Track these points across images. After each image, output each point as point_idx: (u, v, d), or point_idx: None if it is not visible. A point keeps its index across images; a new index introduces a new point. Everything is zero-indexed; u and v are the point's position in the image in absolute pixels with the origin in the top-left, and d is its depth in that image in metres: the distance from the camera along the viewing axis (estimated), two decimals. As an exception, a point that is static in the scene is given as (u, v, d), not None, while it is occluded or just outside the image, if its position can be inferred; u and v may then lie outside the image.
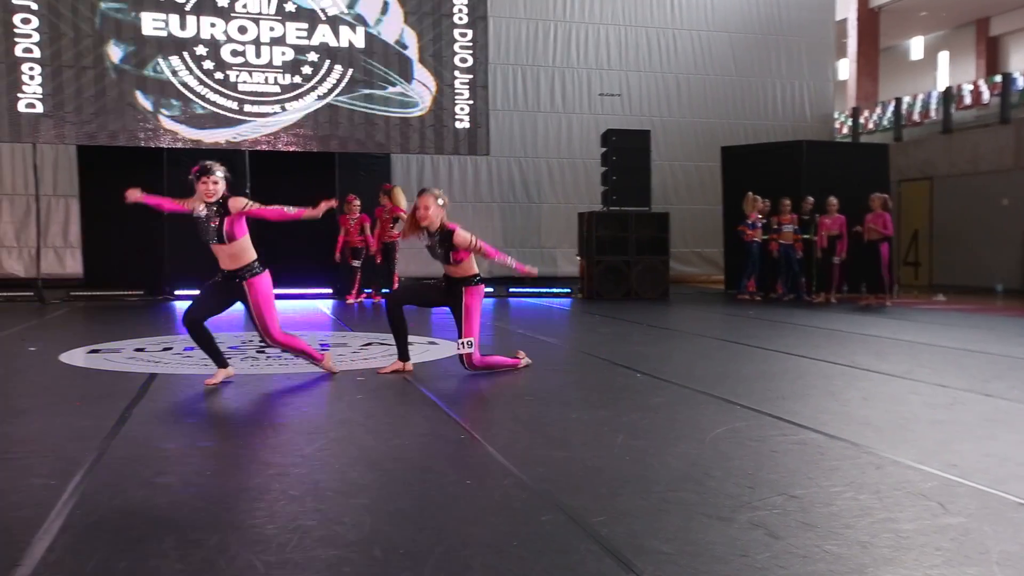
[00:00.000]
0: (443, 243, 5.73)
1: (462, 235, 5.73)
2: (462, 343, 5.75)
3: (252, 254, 5.37)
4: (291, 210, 5.44)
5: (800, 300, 12.65)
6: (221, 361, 5.39)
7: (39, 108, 11.64)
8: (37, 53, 11.57)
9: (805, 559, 2.49)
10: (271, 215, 5.40)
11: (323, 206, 5.62)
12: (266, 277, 5.41)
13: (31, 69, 11.58)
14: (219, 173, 5.35)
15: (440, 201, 5.74)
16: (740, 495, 3.09)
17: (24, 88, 11.56)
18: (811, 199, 12.84)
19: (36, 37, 11.56)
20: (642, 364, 6.25)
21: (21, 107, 11.57)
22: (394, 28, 12.83)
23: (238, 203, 5.27)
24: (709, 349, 7.40)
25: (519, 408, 4.76)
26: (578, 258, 13.98)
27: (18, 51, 11.51)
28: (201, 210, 5.32)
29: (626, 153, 13.48)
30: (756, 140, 16.27)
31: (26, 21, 11.54)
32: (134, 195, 5.55)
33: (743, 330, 8.83)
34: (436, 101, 12.95)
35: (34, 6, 11.53)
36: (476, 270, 5.92)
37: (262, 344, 5.85)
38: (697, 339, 8.26)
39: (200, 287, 5.53)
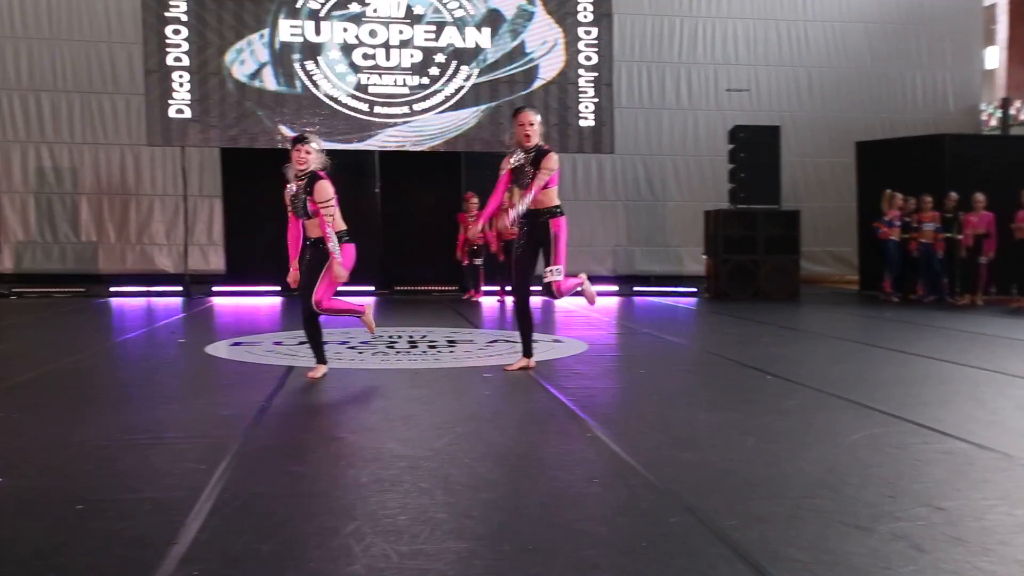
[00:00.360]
0: (535, 161, 5.57)
1: (554, 157, 5.61)
2: (550, 271, 5.65)
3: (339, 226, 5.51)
4: (332, 245, 5.44)
5: (942, 302, 12.01)
6: (322, 358, 5.56)
7: (187, 114, 12.31)
8: (186, 62, 12.23)
9: (955, 575, 2.37)
10: (322, 227, 5.47)
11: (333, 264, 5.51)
12: (348, 251, 5.56)
13: (180, 77, 12.25)
14: (314, 145, 5.53)
15: (539, 118, 5.67)
16: (880, 504, 2.96)
17: (174, 95, 12.24)
18: (954, 195, 12.16)
19: (185, 47, 12.22)
20: (772, 366, 6.07)
21: (171, 113, 12.26)
22: (522, 27, 12.91)
23: (322, 194, 5.41)
24: (844, 352, 7.12)
25: (646, 408, 4.71)
26: (704, 257, 13.71)
27: (169, 60, 12.20)
28: (292, 186, 5.57)
29: (755, 149, 13.13)
30: (894, 134, 15.52)
31: (177, 32, 12.22)
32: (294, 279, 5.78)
33: (880, 332, 8.46)
34: (560, 100, 12.95)
35: (184, 17, 12.20)
36: (557, 200, 5.74)
37: (400, 340, 5.98)
38: (831, 341, 7.96)
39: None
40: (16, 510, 2.87)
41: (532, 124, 5.59)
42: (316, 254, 5.52)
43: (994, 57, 22.02)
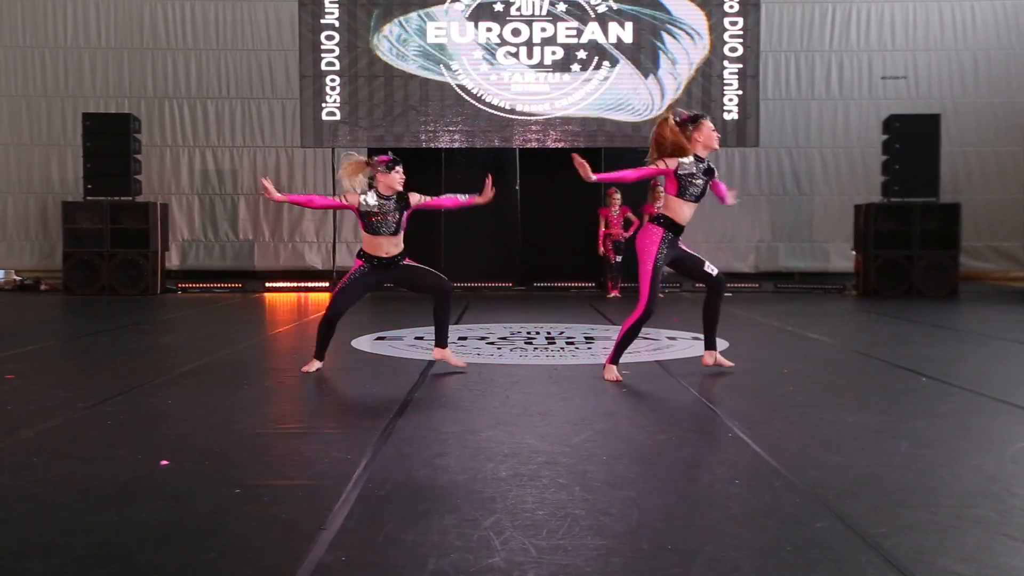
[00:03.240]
0: (707, 173, 5.44)
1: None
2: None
3: None
4: (463, 198, 5.62)
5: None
6: (321, 354, 5.64)
7: (337, 116, 12.82)
8: (337, 66, 12.75)
9: None
10: (446, 203, 5.74)
11: (488, 190, 5.78)
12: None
13: (332, 81, 12.78)
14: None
15: None
16: (1050, 518, 2.76)
17: (326, 98, 12.79)
18: None
19: (337, 52, 12.74)
20: (927, 367, 5.75)
21: (323, 116, 12.81)
22: (667, 20, 12.74)
23: (415, 197, 5.58)
24: (1008, 353, 6.66)
25: (789, 408, 4.56)
26: (853, 253, 13.13)
27: (322, 65, 12.75)
28: (373, 203, 5.57)
29: (911, 139, 12.46)
30: (1070, 120, 14.38)
31: (330, 38, 12.75)
32: (272, 195, 5.62)
33: (1051, 333, 7.88)
34: (704, 93, 12.69)
35: (336, 24, 12.72)
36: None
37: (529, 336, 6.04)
38: (991, 341, 7.46)
39: (350, 285, 5.69)
40: (181, 492, 3.07)
41: (715, 131, 5.50)
42: (387, 270, 5.75)
43: None
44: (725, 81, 12.75)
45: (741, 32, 12.70)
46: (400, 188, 5.63)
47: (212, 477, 3.26)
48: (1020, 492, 3.03)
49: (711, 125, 5.50)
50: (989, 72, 15.36)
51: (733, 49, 12.71)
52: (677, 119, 5.43)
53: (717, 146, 5.53)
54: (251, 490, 3.08)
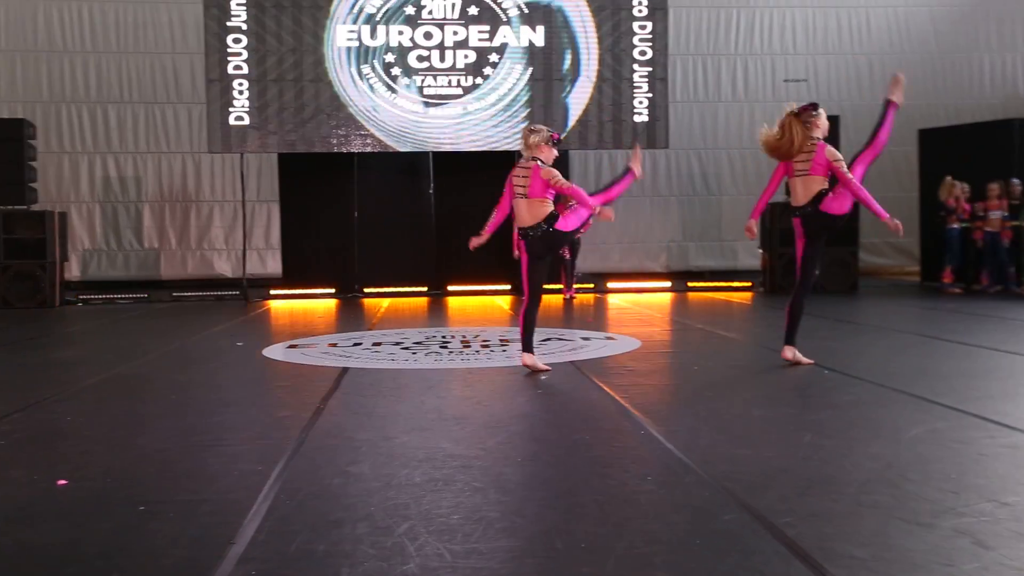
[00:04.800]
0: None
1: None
2: None
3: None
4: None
5: (1008, 292, 11.66)
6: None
7: (246, 121, 12.55)
8: (245, 70, 12.49)
9: (1020, 572, 2.30)
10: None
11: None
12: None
13: (240, 85, 12.50)
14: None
15: None
16: (942, 500, 2.89)
17: (234, 103, 12.51)
18: (1017, 182, 11.82)
19: (245, 55, 12.47)
20: (829, 360, 5.96)
21: (231, 120, 12.52)
22: (573, 25, 12.88)
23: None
24: (904, 344, 6.96)
25: (699, 404, 4.67)
26: (760, 251, 13.52)
27: (230, 69, 12.47)
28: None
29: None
30: (959, 121, 15.10)
31: (237, 41, 12.47)
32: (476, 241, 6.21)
33: (942, 324, 8.25)
34: (614, 96, 12.89)
35: (244, 27, 12.46)
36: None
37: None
38: (890, 334, 7.78)
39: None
40: (81, 511, 2.97)
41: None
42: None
43: (1064, 37, 21.25)
44: (635, 84, 12.96)
45: (650, 36, 12.94)
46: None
47: (114, 495, 3.15)
48: (914, 477, 3.17)
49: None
50: (883, 76, 15.99)
51: (643, 53, 12.94)
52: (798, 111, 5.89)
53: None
54: (156, 507, 2.99)
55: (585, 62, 12.89)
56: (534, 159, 5.72)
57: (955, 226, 12.10)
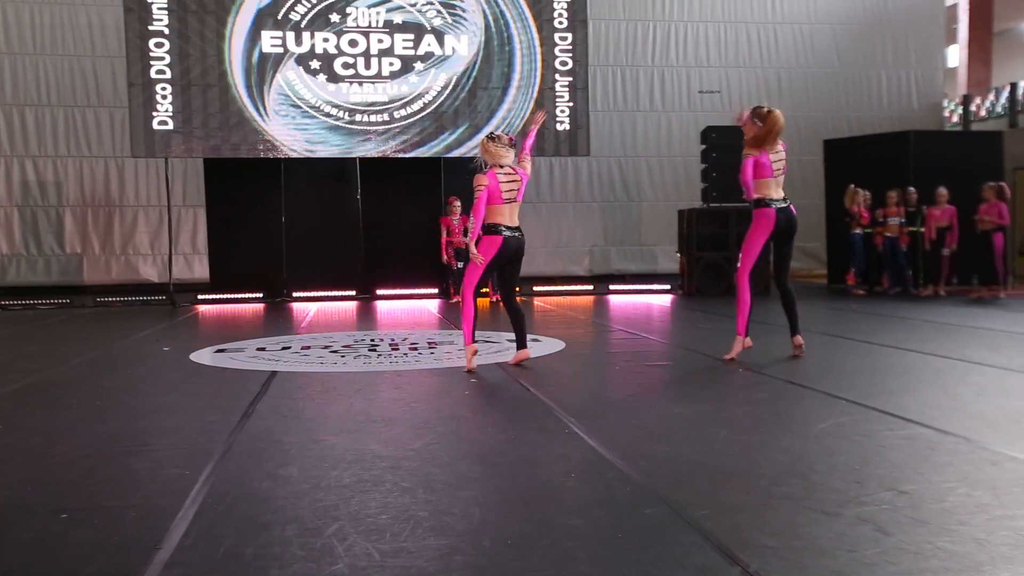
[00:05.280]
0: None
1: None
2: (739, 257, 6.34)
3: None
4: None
5: (907, 293, 12.14)
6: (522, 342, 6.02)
7: (170, 125, 12.24)
8: (168, 74, 12.17)
9: (917, 555, 2.40)
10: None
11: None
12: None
13: (163, 89, 12.18)
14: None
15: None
16: (847, 490, 3.00)
17: (157, 107, 12.17)
18: (912, 190, 12.33)
19: (167, 59, 12.15)
20: (744, 359, 6.11)
21: (155, 125, 12.19)
22: (496, 35, 12.93)
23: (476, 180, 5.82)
24: (812, 344, 7.15)
25: (622, 404, 4.74)
26: (678, 255, 13.78)
27: (152, 73, 12.13)
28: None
29: (726, 149, 13.18)
30: (860, 132, 15.67)
31: (159, 45, 12.14)
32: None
33: (846, 324, 8.54)
34: (537, 104, 12.97)
35: (166, 31, 12.13)
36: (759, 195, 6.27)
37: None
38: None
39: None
40: (0, 521, 2.85)
41: None
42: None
43: (955, 56, 22.25)
44: (557, 93, 13.08)
45: (571, 47, 13.07)
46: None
47: (35, 504, 3.03)
48: (821, 469, 3.28)
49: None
50: (791, 88, 16.54)
51: (564, 63, 13.06)
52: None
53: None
54: (79, 514, 2.89)
55: (507, 71, 12.95)
56: (511, 165, 5.85)
57: (858, 231, 12.55)
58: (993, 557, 2.38)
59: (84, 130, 14.60)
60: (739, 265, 6.36)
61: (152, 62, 12.10)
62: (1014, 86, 17.73)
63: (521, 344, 6.06)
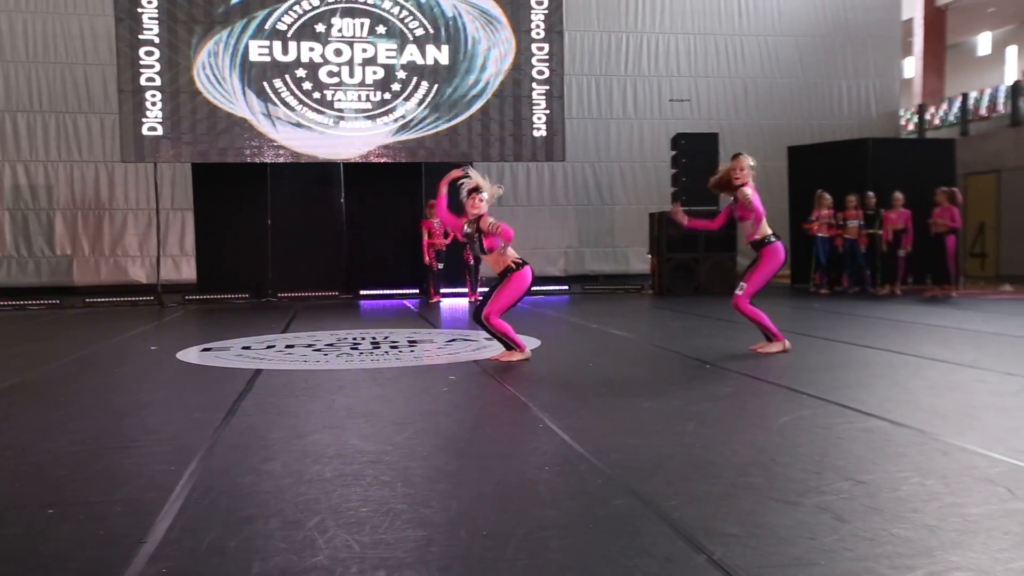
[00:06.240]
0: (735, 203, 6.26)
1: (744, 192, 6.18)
2: (740, 285, 6.32)
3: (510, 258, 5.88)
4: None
5: (865, 293, 12.26)
6: (509, 345, 6.02)
7: (159, 131, 12.12)
8: (158, 81, 12.05)
9: (872, 542, 2.42)
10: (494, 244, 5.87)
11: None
12: (524, 273, 5.93)
13: (153, 96, 12.06)
14: (485, 194, 5.90)
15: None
16: (807, 480, 3.02)
17: (147, 113, 12.05)
18: (871, 194, 12.46)
19: (157, 67, 12.04)
20: (711, 356, 6.14)
21: (144, 131, 12.07)
22: (478, 45, 12.91)
23: (484, 222, 5.81)
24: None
25: (594, 398, 4.74)
26: (649, 256, 13.83)
27: (142, 80, 12.01)
28: (467, 228, 5.92)
29: (695, 155, 13.28)
30: (822, 139, 15.82)
31: (149, 53, 12.03)
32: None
33: (809, 322, 8.60)
34: (515, 112, 12.98)
35: (156, 40, 12.01)
36: (768, 231, 6.28)
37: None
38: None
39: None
40: (-11, 515, 2.80)
41: (743, 170, 6.29)
42: (499, 280, 5.94)
43: (911, 67, 22.54)
44: (534, 101, 13.10)
45: (547, 57, 13.09)
46: (473, 211, 5.90)
47: (23, 498, 2.99)
48: (783, 460, 3.30)
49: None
50: (756, 96, 16.66)
51: (540, 72, 13.08)
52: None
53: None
54: (66, 509, 2.85)
55: (487, 80, 12.94)
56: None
57: (821, 234, 12.65)
58: (943, 543, 2.41)
59: (75, 135, 14.44)
60: (740, 293, 6.26)
61: (142, 70, 11.99)
62: (965, 96, 17.97)
63: (509, 347, 6.06)
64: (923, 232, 11.74)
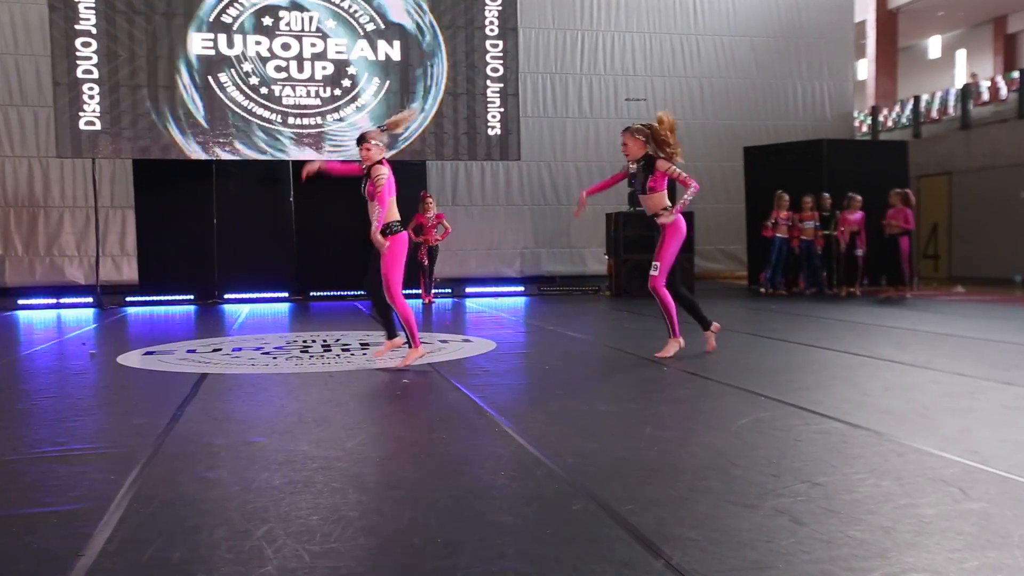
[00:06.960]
0: (645, 170, 6.21)
1: (661, 161, 6.18)
2: (653, 265, 6.28)
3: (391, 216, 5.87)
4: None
5: (821, 294, 12.50)
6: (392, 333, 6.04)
7: (97, 125, 11.84)
8: (96, 74, 11.77)
9: (829, 544, 2.46)
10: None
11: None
12: (399, 238, 5.88)
13: (90, 89, 11.78)
14: (374, 141, 5.83)
15: (639, 136, 6.22)
16: (765, 483, 3.06)
17: (84, 107, 11.77)
18: (827, 196, 12.70)
19: (95, 59, 11.76)
20: (668, 358, 6.19)
21: (81, 125, 11.78)
22: (428, 40, 12.87)
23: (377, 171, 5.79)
24: (733, 342, 7.31)
25: (551, 402, 4.75)
26: (606, 257, 13.92)
27: (79, 73, 11.72)
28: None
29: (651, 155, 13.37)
30: (778, 140, 16.08)
31: (86, 44, 11.74)
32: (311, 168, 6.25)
33: (766, 324, 8.74)
34: (469, 110, 12.96)
35: (93, 30, 11.73)
36: (667, 203, 6.27)
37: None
38: (721, 333, 8.14)
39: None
40: (-85, 529, 2.70)
41: (626, 144, 6.34)
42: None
43: (864, 69, 23.05)
44: (488, 99, 13.09)
45: (501, 54, 13.09)
46: (366, 162, 5.88)
47: (-48, 511, 2.89)
48: (741, 463, 3.34)
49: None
50: (712, 96, 16.87)
51: (495, 70, 13.08)
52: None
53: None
54: (-2, 522, 2.76)
55: (440, 77, 12.90)
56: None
57: (778, 235, 12.84)
58: (898, 544, 2.46)
59: (6, 129, 14.03)
60: (655, 273, 6.28)
61: (79, 62, 11.70)
62: (917, 99, 18.44)
63: (392, 334, 6.07)
64: (877, 233, 12.00)
